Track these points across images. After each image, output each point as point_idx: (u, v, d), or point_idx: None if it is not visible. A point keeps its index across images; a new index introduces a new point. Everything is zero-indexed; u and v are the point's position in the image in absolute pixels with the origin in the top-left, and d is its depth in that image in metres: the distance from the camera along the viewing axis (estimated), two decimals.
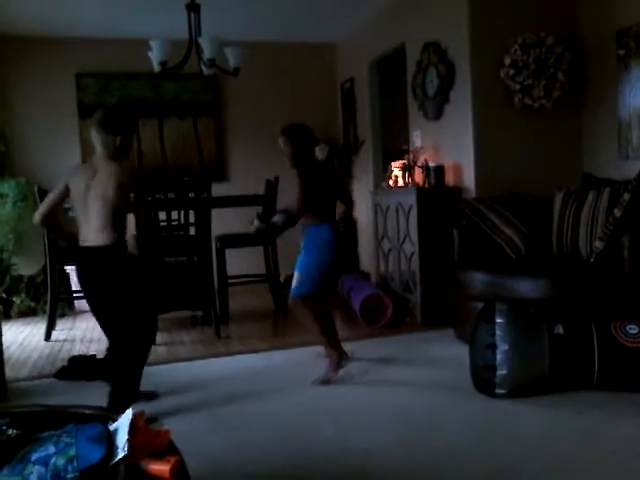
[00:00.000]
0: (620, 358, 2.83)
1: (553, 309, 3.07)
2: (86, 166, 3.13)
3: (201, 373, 3.62)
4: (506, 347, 2.85)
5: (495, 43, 4.46)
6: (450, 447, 2.43)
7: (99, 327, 3.08)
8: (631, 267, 3.38)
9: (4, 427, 1.59)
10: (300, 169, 3.38)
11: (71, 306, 5.66)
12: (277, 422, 2.77)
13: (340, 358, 3.39)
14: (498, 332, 2.88)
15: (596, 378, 2.86)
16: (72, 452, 1.48)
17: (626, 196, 3.52)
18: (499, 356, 2.86)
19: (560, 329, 2.89)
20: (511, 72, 4.43)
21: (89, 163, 3.12)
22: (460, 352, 3.65)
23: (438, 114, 4.88)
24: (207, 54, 4.59)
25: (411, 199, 4.55)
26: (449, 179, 4.71)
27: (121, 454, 1.50)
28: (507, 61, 4.42)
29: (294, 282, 3.39)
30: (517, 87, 4.45)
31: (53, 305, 4.74)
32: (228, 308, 4.92)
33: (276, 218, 3.34)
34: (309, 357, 3.74)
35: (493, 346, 2.87)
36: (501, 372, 2.86)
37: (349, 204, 3.73)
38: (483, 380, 2.94)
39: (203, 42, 4.59)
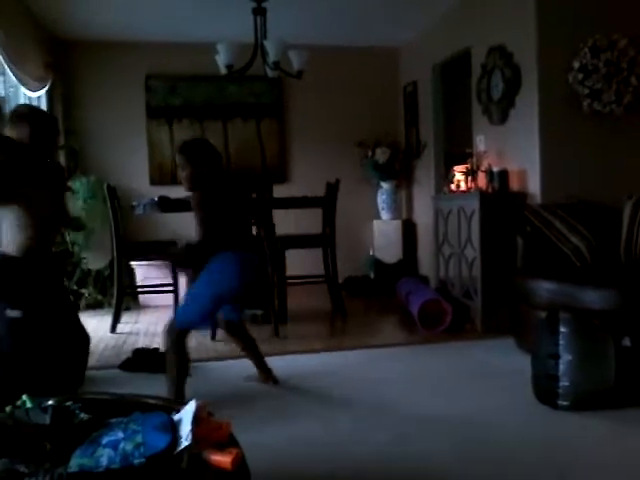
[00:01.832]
0: None
1: (620, 320, 2.97)
2: None
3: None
4: (570, 357, 2.77)
5: (563, 46, 4.36)
6: (508, 459, 2.38)
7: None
8: None
9: (77, 412, 1.66)
10: (199, 192, 3.10)
11: (136, 300, 5.84)
12: (333, 422, 2.79)
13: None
14: (562, 342, 2.81)
15: None
16: (139, 439, 1.54)
17: None
18: (562, 366, 2.79)
19: (628, 341, 2.79)
20: (580, 76, 4.31)
21: None
22: (521, 362, 3.57)
23: (503, 118, 4.80)
24: (272, 57, 4.67)
25: (474, 204, 4.49)
26: (513, 184, 4.62)
27: (185, 443, 1.55)
28: (576, 65, 4.32)
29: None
30: (586, 92, 4.33)
31: (119, 299, 4.91)
32: (287, 308, 4.98)
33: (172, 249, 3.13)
34: (366, 359, 3.75)
35: (556, 356, 2.80)
36: (564, 383, 2.78)
37: (267, 227, 3.47)
38: (545, 391, 2.87)
39: (268, 45, 4.67)
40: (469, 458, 2.39)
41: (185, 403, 2.43)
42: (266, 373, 3.42)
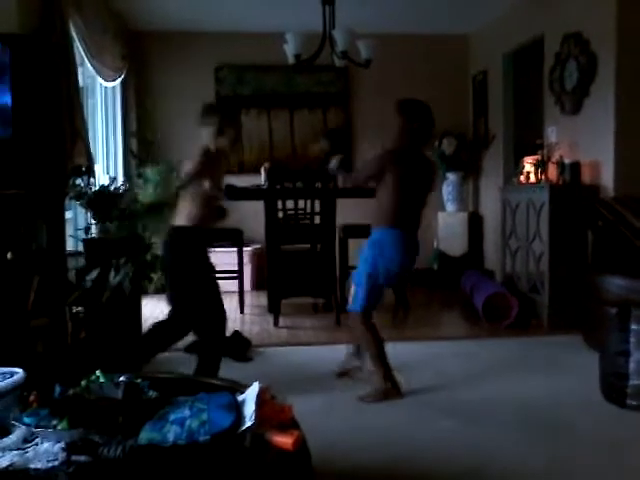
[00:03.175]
0: None
1: None
2: None
3: (321, 357, 3.72)
4: None
5: None
6: (576, 458, 2.33)
7: None
8: None
9: (146, 389, 1.73)
10: (395, 151, 3.13)
11: None
12: (398, 411, 2.79)
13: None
14: (632, 339, 2.72)
15: None
16: (205, 417, 1.58)
17: None
18: (632, 365, 2.70)
19: None
20: None
21: None
22: (589, 360, 3.48)
23: (576, 109, 4.64)
24: (340, 46, 4.67)
25: (543, 196, 4.37)
26: (585, 177, 4.47)
27: (248, 423, 1.59)
28: None
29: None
30: None
31: None
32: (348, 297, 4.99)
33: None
34: (428, 350, 3.72)
35: (626, 354, 2.72)
36: (634, 382, 2.70)
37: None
38: (613, 389, 2.79)
39: (337, 34, 4.67)
40: (531, 453, 2.35)
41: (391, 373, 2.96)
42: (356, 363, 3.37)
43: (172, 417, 1.59)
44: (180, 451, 1.49)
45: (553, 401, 2.94)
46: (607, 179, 4.29)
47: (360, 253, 3.17)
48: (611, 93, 4.25)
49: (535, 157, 4.86)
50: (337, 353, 3.81)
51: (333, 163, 3.30)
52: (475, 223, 6.47)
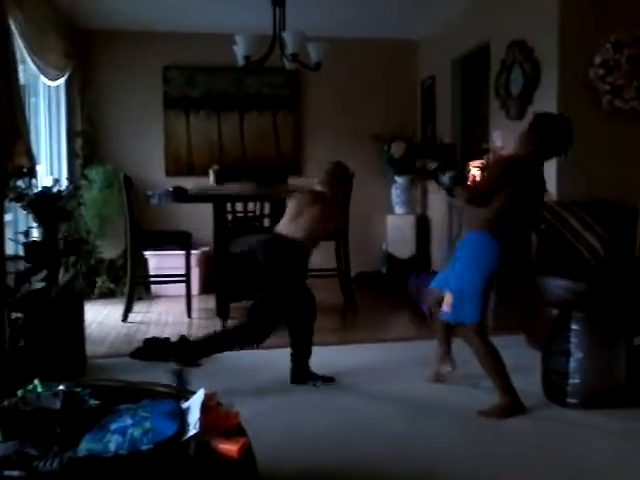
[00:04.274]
0: None
1: (632, 319, 2.95)
2: None
3: (271, 361, 3.68)
4: (581, 355, 2.77)
5: (585, 42, 4.30)
6: (514, 455, 2.38)
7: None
8: None
9: (87, 397, 1.68)
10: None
11: (148, 290, 5.88)
12: (346, 414, 2.79)
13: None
14: (573, 339, 2.80)
15: None
16: (148, 425, 1.55)
17: None
18: (573, 364, 2.77)
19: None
20: (601, 72, 4.26)
21: None
22: (531, 359, 3.56)
23: (521, 114, 4.76)
24: (290, 49, 4.65)
25: None
26: None
27: (193, 431, 1.56)
28: (597, 60, 4.26)
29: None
30: (607, 88, 4.28)
31: (132, 288, 4.94)
32: None
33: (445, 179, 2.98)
34: (375, 352, 3.74)
35: (567, 353, 2.79)
36: (574, 380, 2.77)
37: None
38: (555, 388, 2.86)
39: (287, 37, 4.66)
40: (473, 453, 2.38)
41: None
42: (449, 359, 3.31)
43: (114, 426, 1.55)
44: (122, 461, 1.45)
45: (494, 398, 2.98)
46: (550, 183, 4.37)
47: (455, 257, 3.02)
48: (553, 100, 4.37)
49: (481, 161, 4.95)
50: (287, 356, 3.80)
51: (445, 178, 2.99)
52: (423, 226, 6.55)
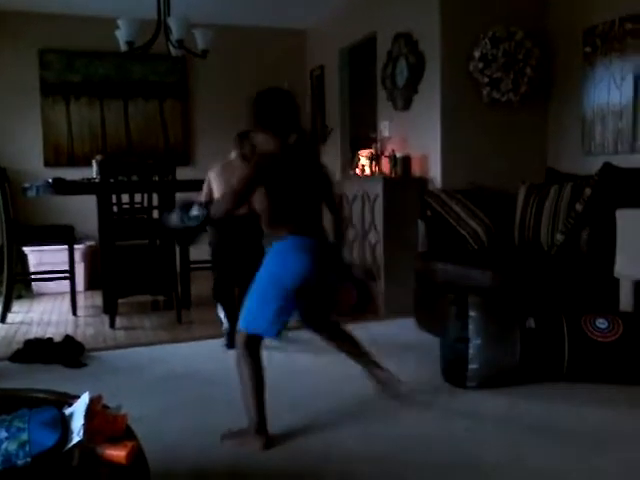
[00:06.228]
0: (589, 352, 2.86)
1: (524, 302, 3.08)
2: None
3: (161, 358, 3.58)
4: (479, 341, 2.85)
5: (465, 36, 4.47)
6: (409, 436, 2.44)
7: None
8: (589, 261, 3.46)
9: None
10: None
11: (29, 288, 5.54)
12: (238, 408, 2.75)
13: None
14: (471, 326, 2.86)
15: (565, 371, 2.90)
16: (24, 437, 1.44)
17: (587, 191, 3.58)
18: (472, 350, 2.85)
19: (532, 323, 2.91)
20: (480, 65, 4.45)
21: None
22: (421, 340, 3.71)
23: (407, 105, 4.89)
24: (175, 35, 4.52)
25: (377, 188, 4.55)
26: (416, 170, 4.73)
27: (76, 439, 1.47)
28: (477, 54, 4.45)
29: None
30: (486, 80, 4.48)
31: (9, 286, 4.63)
32: (190, 293, 4.87)
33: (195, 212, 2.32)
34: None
35: (465, 340, 2.87)
36: (473, 366, 2.86)
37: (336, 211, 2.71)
38: (454, 373, 2.93)
39: (171, 22, 4.51)
40: (371, 436, 2.43)
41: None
42: (380, 370, 2.81)
43: None
44: None
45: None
46: (435, 172, 4.57)
47: None
48: (437, 91, 4.52)
49: (370, 150, 5.05)
50: (179, 351, 3.71)
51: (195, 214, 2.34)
52: None
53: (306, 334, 2.98)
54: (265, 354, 2.46)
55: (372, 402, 2.82)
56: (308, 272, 2.37)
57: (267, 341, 2.52)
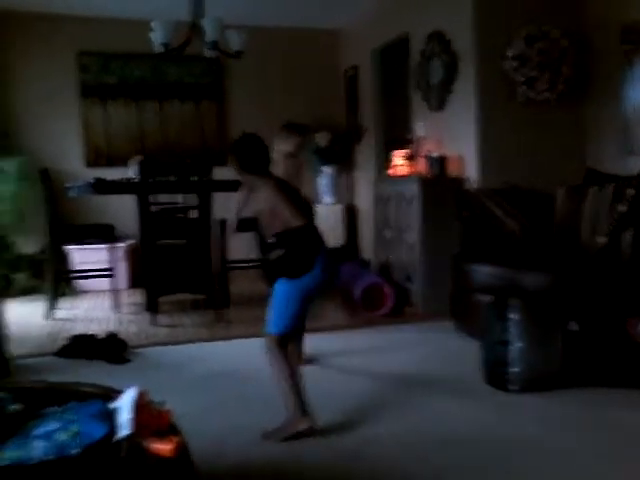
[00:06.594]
0: (634, 356, 2.82)
1: (566, 305, 3.05)
2: None
3: (201, 355, 3.65)
4: (520, 344, 2.83)
5: (499, 35, 4.45)
6: (446, 437, 2.45)
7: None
8: (633, 263, 3.40)
9: (9, 402, 1.61)
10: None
11: (72, 286, 5.68)
12: (277, 406, 2.79)
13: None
14: (512, 329, 2.85)
15: (609, 375, 2.86)
16: (75, 428, 1.50)
17: (630, 192, 3.52)
18: (512, 353, 2.84)
19: (574, 326, 2.88)
20: (515, 64, 4.42)
21: None
22: (460, 343, 3.69)
23: (441, 105, 4.88)
24: (209, 36, 4.57)
25: (413, 189, 4.55)
26: (452, 170, 4.71)
27: (123, 432, 1.52)
28: (511, 53, 4.42)
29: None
30: (521, 79, 4.44)
31: (54, 284, 4.76)
32: (229, 292, 4.94)
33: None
34: (308, 341, 3.75)
35: (506, 343, 2.85)
36: (514, 369, 2.85)
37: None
38: (495, 375, 2.93)
39: (205, 24, 4.57)
40: (410, 438, 2.44)
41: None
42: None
43: (39, 431, 1.49)
44: (49, 468, 1.40)
45: (427, 383, 3.07)
46: (471, 172, 4.55)
47: None
48: (472, 91, 4.50)
49: (405, 151, 5.05)
50: (218, 350, 3.77)
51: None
52: (351, 215, 6.63)
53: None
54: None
55: (409, 401, 2.83)
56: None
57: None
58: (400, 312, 4.57)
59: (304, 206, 2.67)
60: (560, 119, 4.60)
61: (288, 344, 2.63)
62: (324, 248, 2.58)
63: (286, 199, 2.51)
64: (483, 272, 3.73)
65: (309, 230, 2.55)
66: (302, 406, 2.48)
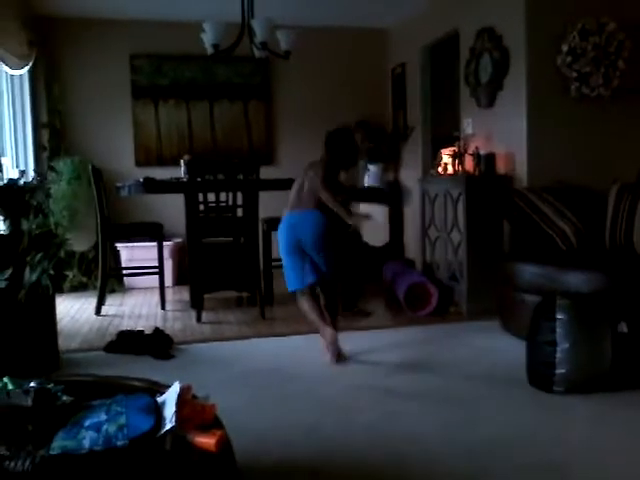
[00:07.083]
0: None
1: (616, 306, 2.96)
2: None
3: (245, 352, 3.68)
4: (567, 345, 2.76)
5: (552, 29, 4.34)
6: (493, 439, 2.40)
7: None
8: None
9: (59, 394, 1.65)
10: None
11: (121, 282, 5.81)
12: (320, 404, 2.80)
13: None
14: (559, 329, 2.78)
15: None
16: (122, 420, 1.53)
17: None
18: (559, 354, 2.77)
19: (624, 327, 2.80)
20: (568, 59, 4.31)
21: None
22: (506, 344, 3.62)
23: (491, 102, 4.79)
24: (259, 37, 4.60)
25: (460, 187, 4.49)
26: (500, 168, 4.62)
27: (169, 425, 1.54)
28: (564, 48, 4.30)
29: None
30: (574, 75, 4.33)
31: (104, 281, 4.87)
32: (273, 290, 4.97)
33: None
34: (352, 340, 3.75)
35: (553, 343, 2.79)
36: (560, 370, 2.78)
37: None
38: (541, 377, 2.86)
39: (255, 25, 4.60)
40: (454, 437, 2.41)
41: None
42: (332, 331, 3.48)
43: (87, 422, 1.52)
44: (97, 458, 1.43)
45: (473, 384, 3.02)
46: (521, 170, 4.45)
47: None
48: (523, 87, 4.40)
49: (452, 149, 4.98)
50: (261, 347, 3.79)
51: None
52: (396, 214, 6.57)
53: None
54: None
55: (453, 401, 2.79)
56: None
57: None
58: (445, 311, 4.52)
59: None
60: (614, 116, 4.45)
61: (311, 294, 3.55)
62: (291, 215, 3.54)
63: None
64: (531, 272, 3.65)
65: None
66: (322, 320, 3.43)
